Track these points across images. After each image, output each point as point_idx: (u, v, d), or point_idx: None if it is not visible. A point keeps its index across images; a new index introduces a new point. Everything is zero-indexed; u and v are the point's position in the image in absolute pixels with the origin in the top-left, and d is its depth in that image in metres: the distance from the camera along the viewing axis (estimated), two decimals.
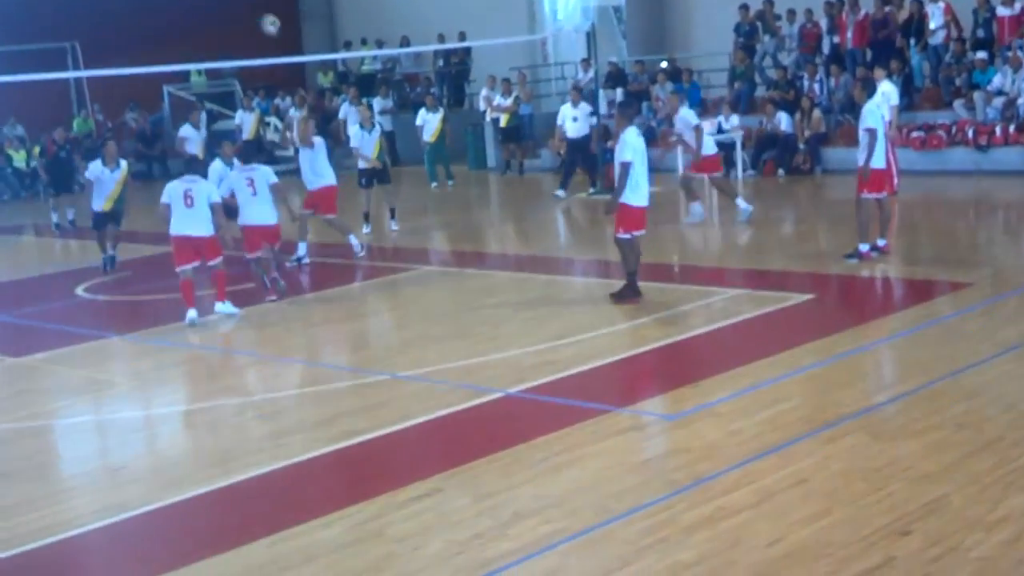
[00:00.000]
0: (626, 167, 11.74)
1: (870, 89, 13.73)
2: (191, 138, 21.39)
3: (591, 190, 20.84)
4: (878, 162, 13.17)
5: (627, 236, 12.02)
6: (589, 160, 21.37)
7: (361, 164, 17.80)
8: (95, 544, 7.18)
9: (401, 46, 29.71)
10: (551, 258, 15.78)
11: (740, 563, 5.96)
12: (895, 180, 17.59)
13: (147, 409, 10.09)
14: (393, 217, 18.32)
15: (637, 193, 11.90)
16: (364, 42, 31.68)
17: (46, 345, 12.37)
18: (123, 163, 16.50)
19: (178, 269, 12.84)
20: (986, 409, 8.03)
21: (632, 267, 12.07)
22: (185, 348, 11.93)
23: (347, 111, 25.59)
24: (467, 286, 14.27)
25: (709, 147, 16.97)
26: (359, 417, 8.98)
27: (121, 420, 9.86)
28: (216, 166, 14.71)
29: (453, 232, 18.83)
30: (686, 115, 17.24)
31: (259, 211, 13.59)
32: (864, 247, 13.27)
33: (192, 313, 12.68)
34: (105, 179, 16.14)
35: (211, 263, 12.96)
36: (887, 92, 17.78)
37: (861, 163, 13.16)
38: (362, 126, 18.01)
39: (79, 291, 15.24)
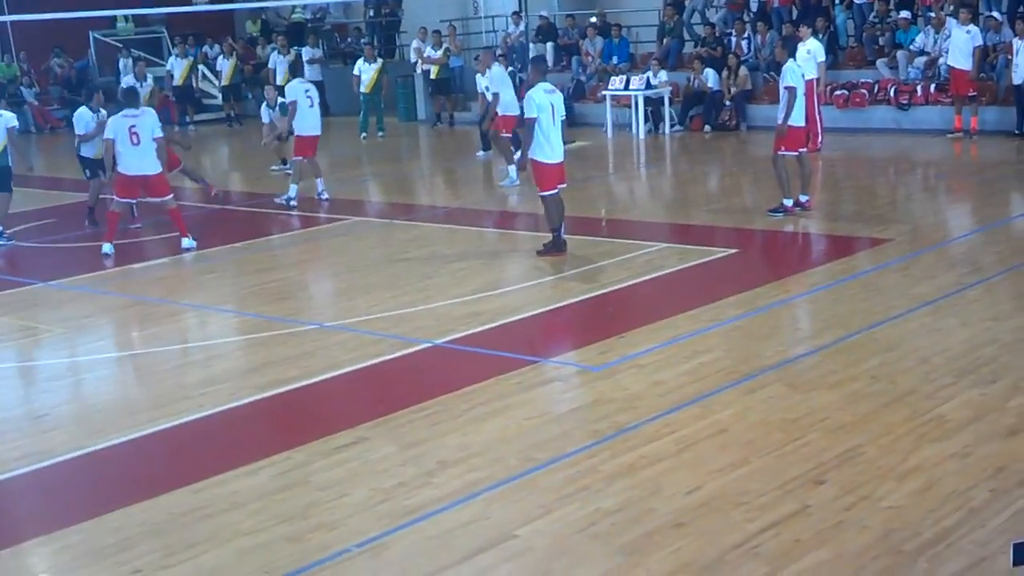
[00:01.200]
0: (530, 124, 11.84)
1: (791, 47, 13.95)
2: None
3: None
4: (797, 120, 13.44)
5: (546, 193, 12.10)
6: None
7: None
8: (18, 490, 7.18)
9: None
10: (480, 210, 15.86)
11: (659, 510, 6.12)
12: (819, 137, 17.91)
13: (72, 356, 10.04)
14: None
15: (544, 150, 11.95)
16: None
17: None
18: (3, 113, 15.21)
19: (117, 199, 12.99)
20: (901, 362, 8.27)
21: (555, 222, 12.16)
22: (112, 296, 11.85)
23: (276, 60, 25.36)
24: (396, 237, 14.30)
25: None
26: (286, 366, 9.02)
27: (46, 367, 9.81)
28: (83, 113, 14.97)
29: (383, 183, 18.81)
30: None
31: (140, 160, 13.25)
32: (788, 202, 13.52)
33: (108, 247, 13.02)
34: None
35: (161, 200, 13.06)
36: (813, 50, 18.01)
37: (780, 121, 13.39)
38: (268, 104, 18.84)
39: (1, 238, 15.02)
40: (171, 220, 13.62)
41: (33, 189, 18.53)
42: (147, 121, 13.15)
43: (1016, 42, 18.17)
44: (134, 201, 13.74)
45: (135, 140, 12.93)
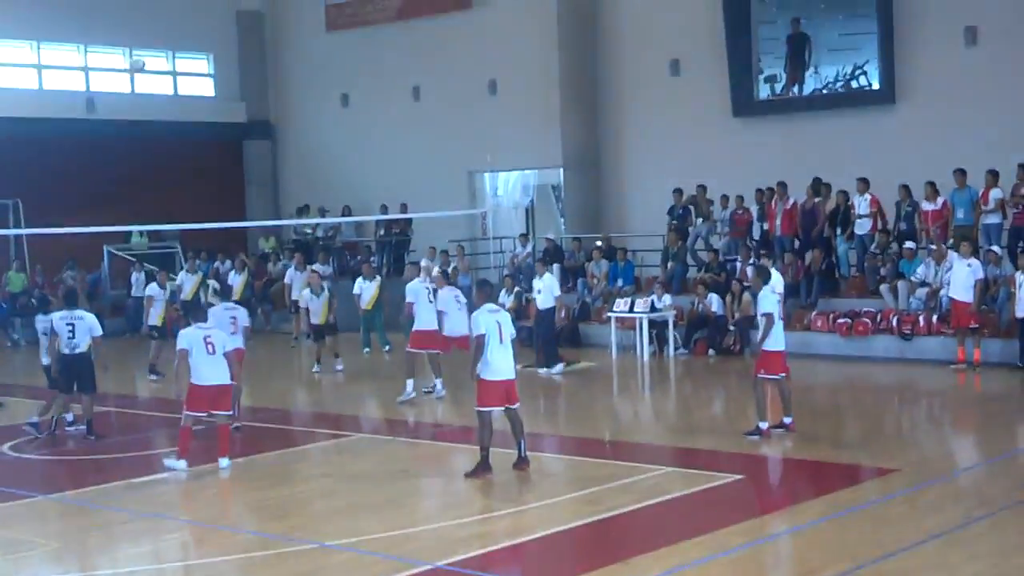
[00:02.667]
0: (479, 340, 12.17)
1: (765, 276, 14.37)
2: (157, 297, 21.83)
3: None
4: (775, 344, 13.76)
5: (481, 409, 12.26)
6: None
7: (314, 320, 21.13)
8: None
9: (343, 215, 30.15)
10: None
11: None
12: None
13: (65, 573, 9.87)
14: (338, 356, 21.03)
15: (488, 368, 12.16)
16: (303, 210, 32.15)
17: None
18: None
19: (187, 413, 13.00)
20: None
21: (484, 442, 12.18)
22: (112, 511, 11.73)
23: (292, 275, 25.83)
24: (400, 454, 14.25)
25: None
26: None
27: None
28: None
29: (385, 400, 18.83)
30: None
31: (215, 370, 13.17)
32: (763, 424, 13.70)
33: (181, 463, 12.91)
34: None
35: (221, 414, 13.12)
36: (773, 282, 18.42)
37: (758, 346, 13.76)
38: (312, 290, 21.13)
39: (5, 448, 14.96)
40: (219, 435, 13.31)
41: (34, 400, 18.56)
42: (220, 333, 13.34)
43: (1018, 276, 18.48)
44: (204, 415, 13.24)
45: (211, 350, 13.00)
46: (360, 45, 32.11)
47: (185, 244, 30.29)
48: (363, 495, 11.97)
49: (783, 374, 13.98)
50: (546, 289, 20.22)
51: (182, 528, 11.15)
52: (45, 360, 15.89)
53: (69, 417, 15.83)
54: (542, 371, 19.92)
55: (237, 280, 26.21)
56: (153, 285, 22.40)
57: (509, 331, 12.34)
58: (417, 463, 13.77)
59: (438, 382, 17.62)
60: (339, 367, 20.88)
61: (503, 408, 12.34)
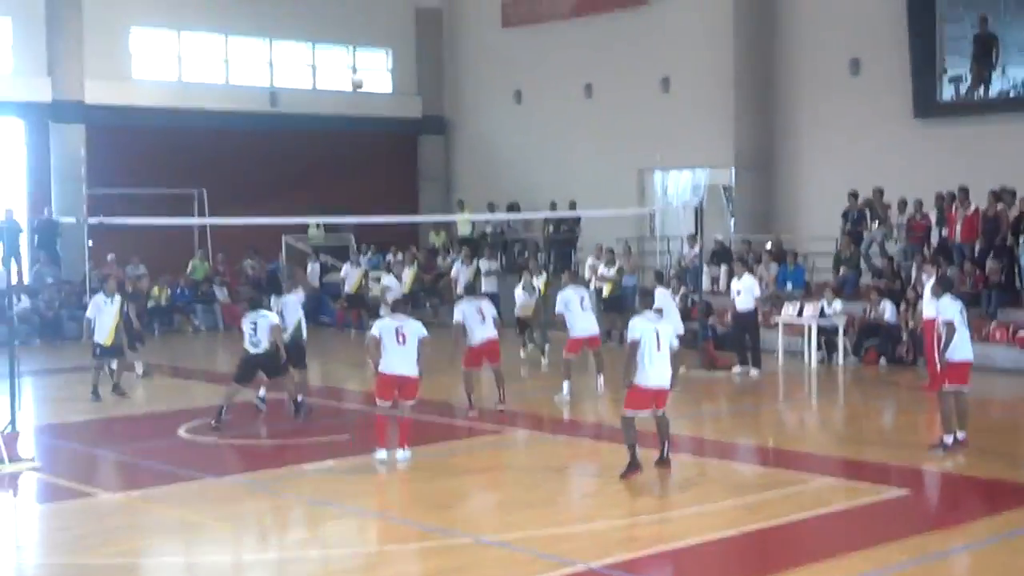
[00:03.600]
0: (632, 347, 12.14)
1: (946, 285, 13.96)
2: (393, 288, 23.69)
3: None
4: (958, 354, 13.30)
5: (626, 414, 12.26)
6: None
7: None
8: None
9: (509, 211, 30.39)
10: (651, 432, 15.67)
11: None
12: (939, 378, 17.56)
13: (234, 554, 10.24)
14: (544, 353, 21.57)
15: (641, 374, 12.07)
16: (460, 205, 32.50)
17: (143, 483, 12.68)
18: (117, 297, 18.09)
19: (378, 402, 13.50)
20: None
21: (631, 443, 12.17)
22: (278, 496, 12.10)
23: (459, 269, 26.17)
24: (561, 453, 14.31)
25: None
26: None
27: (207, 564, 10.01)
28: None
29: (549, 396, 18.91)
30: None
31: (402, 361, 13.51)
32: (948, 439, 13.29)
33: (382, 453, 13.26)
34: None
35: (407, 403, 13.49)
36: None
37: (943, 356, 13.43)
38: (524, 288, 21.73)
39: (181, 432, 15.57)
40: (400, 426, 13.56)
41: (211, 384, 19.25)
42: (414, 325, 13.62)
43: None
44: (389, 403, 13.60)
45: (400, 340, 13.33)
46: (534, 42, 32.32)
47: (359, 236, 30.98)
48: (521, 491, 12.06)
49: (966, 385, 13.50)
50: (746, 290, 20.13)
51: (347, 515, 11.40)
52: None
53: (262, 392, 16.58)
54: (737, 370, 19.92)
55: (407, 273, 26.68)
56: (390, 276, 24.36)
57: (668, 339, 12.24)
58: (574, 461, 13.79)
59: (599, 379, 17.67)
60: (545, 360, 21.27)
61: (650, 412, 12.32)
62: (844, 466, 13.26)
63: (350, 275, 28.38)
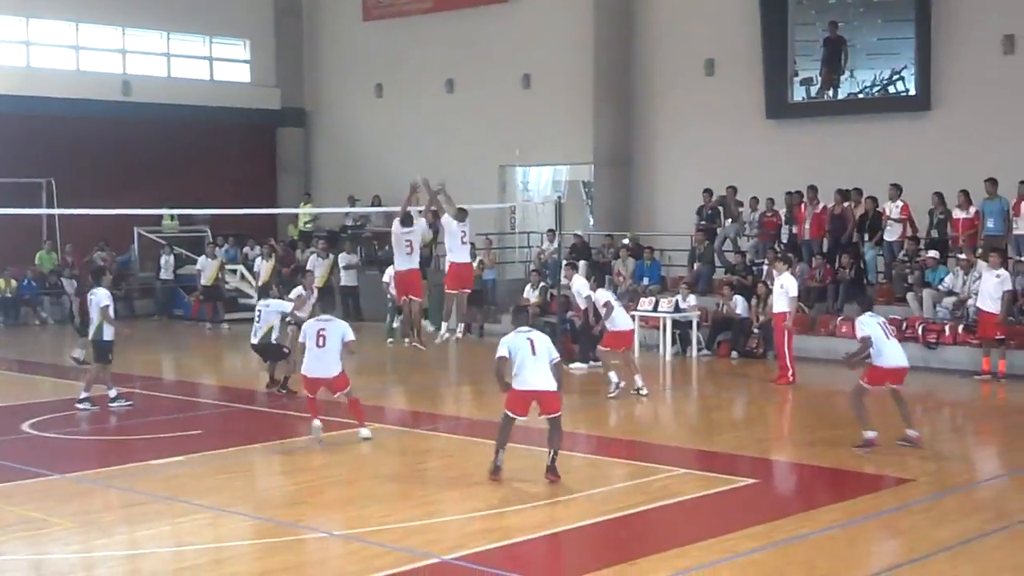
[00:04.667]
0: (500, 363, 12.05)
1: (864, 304, 14.28)
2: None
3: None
4: (888, 361, 13.54)
5: (505, 412, 12.06)
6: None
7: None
8: None
9: (373, 204, 30.22)
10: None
11: None
12: (789, 371, 18.17)
13: (81, 551, 9.95)
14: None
15: (517, 379, 11.90)
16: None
17: None
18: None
19: (304, 393, 14.14)
20: None
21: (499, 442, 12.02)
22: (126, 492, 11.81)
23: (314, 263, 25.89)
24: (417, 447, 14.28)
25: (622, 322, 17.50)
26: (290, 575, 8.90)
27: (53, 560, 9.72)
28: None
29: (407, 391, 18.87)
30: (579, 286, 18.40)
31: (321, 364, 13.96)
32: (870, 434, 13.47)
33: (316, 423, 13.74)
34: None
35: (340, 393, 14.00)
36: (786, 284, 18.35)
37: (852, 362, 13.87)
38: None
39: (25, 427, 15.09)
40: (351, 409, 14.14)
41: (58, 379, 18.71)
42: (336, 326, 13.93)
43: None
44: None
45: (320, 343, 13.74)
46: (396, 35, 32.19)
47: (215, 229, 30.44)
48: (375, 485, 11.99)
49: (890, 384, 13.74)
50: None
51: (197, 511, 11.18)
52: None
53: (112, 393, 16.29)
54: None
55: (264, 266, 26.33)
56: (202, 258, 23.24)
57: (544, 346, 11.94)
58: (432, 456, 13.78)
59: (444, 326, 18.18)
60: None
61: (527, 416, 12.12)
62: (696, 457, 13.52)
63: (206, 267, 27.91)
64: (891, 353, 13.55)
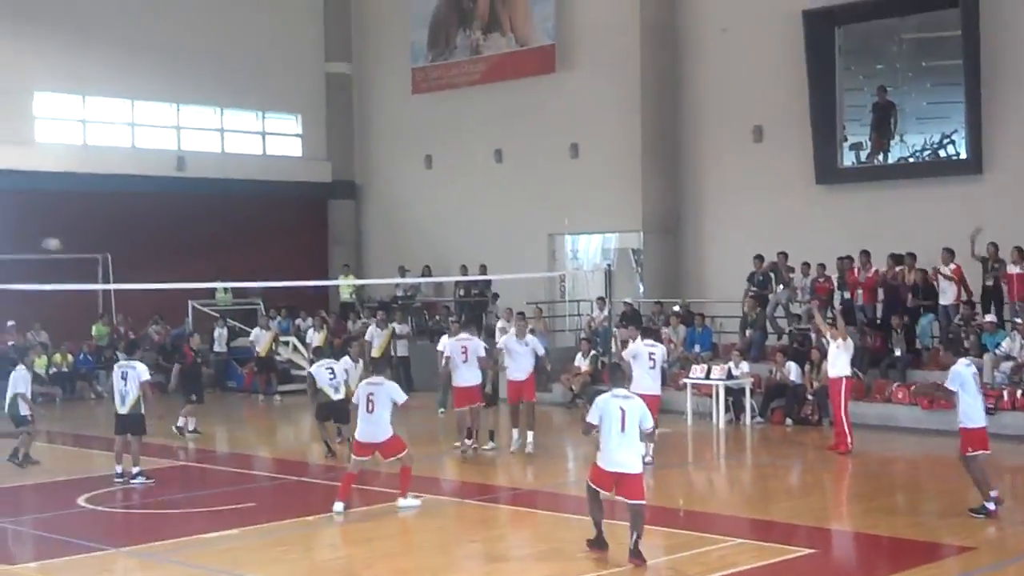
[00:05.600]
0: (587, 428, 11.73)
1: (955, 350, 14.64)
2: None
3: None
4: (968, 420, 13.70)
5: (588, 483, 11.70)
6: None
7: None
8: None
9: (423, 275, 30.41)
10: (558, 494, 15.64)
11: None
12: (847, 437, 17.76)
13: None
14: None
15: (600, 455, 11.48)
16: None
17: (41, 554, 12.31)
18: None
19: (355, 458, 14.01)
20: None
21: (594, 518, 11.69)
22: (181, 566, 11.82)
23: (373, 333, 26.14)
24: (467, 517, 14.20)
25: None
26: None
27: None
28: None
29: (459, 461, 18.81)
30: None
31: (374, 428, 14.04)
32: (989, 505, 13.37)
33: (339, 506, 13.69)
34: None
35: (394, 458, 14.05)
36: (842, 346, 18.15)
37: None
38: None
39: (81, 501, 15.18)
40: (401, 476, 14.17)
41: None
42: (385, 390, 14.01)
43: None
44: (367, 459, 14.27)
45: (370, 408, 13.84)
46: (445, 108, 32.54)
47: (268, 300, 30.71)
48: (428, 558, 11.93)
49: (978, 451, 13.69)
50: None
51: None
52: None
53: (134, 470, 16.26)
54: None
55: (316, 337, 26.50)
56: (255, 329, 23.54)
57: (635, 417, 11.38)
58: (484, 527, 13.71)
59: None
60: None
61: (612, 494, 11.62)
62: (752, 526, 13.36)
63: (260, 338, 28.14)
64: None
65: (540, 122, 30.45)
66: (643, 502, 11.33)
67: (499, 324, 26.26)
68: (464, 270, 29.44)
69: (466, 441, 18.23)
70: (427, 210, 33.17)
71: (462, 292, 30.00)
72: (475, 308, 29.37)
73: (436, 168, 33.23)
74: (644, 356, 17.13)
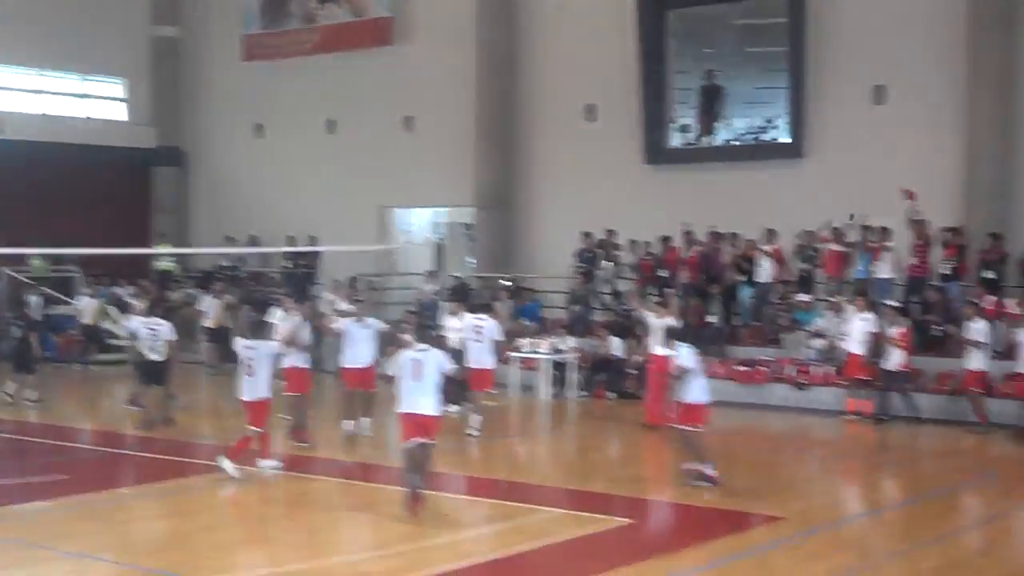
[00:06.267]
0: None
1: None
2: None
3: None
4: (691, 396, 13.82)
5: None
6: None
7: None
8: None
9: (250, 245, 29.91)
10: (378, 465, 15.58)
11: None
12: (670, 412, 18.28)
13: None
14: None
15: (400, 403, 12.25)
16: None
17: None
18: None
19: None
20: None
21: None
22: None
23: (209, 304, 25.85)
24: (288, 490, 14.05)
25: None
26: None
27: None
28: None
29: (282, 432, 18.57)
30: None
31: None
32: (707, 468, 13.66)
33: (267, 463, 14.17)
34: None
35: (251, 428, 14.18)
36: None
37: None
38: None
39: None
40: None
41: None
42: (260, 352, 14.20)
43: (893, 329, 18.93)
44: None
45: (249, 372, 14.08)
46: (277, 76, 31.99)
47: (86, 268, 29.75)
48: (247, 530, 11.77)
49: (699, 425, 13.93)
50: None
51: (58, 558, 10.84)
52: None
53: None
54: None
55: (137, 305, 25.75)
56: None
57: (429, 368, 12.16)
58: (305, 499, 13.59)
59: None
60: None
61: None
62: (572, 497, 13.57)
63: (88, 306, 27.32)
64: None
65: (375, 94, 30.20)
66: (433, 442, 12.24)
67: (327, 296, 25.99)
68: (292, 241, 29.06)
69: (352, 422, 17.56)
70: (256, 179, 32.59)
71: (289, 264, 29.61)
72: (302, 280, 29.04)
73: (267, 137, 32.67)
74: (471, 330, 17.21)
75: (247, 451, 14.14)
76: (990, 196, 21.55)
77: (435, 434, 12.24)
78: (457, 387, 19.68)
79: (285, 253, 29.15)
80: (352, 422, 17.07)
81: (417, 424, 12.06)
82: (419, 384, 12.09)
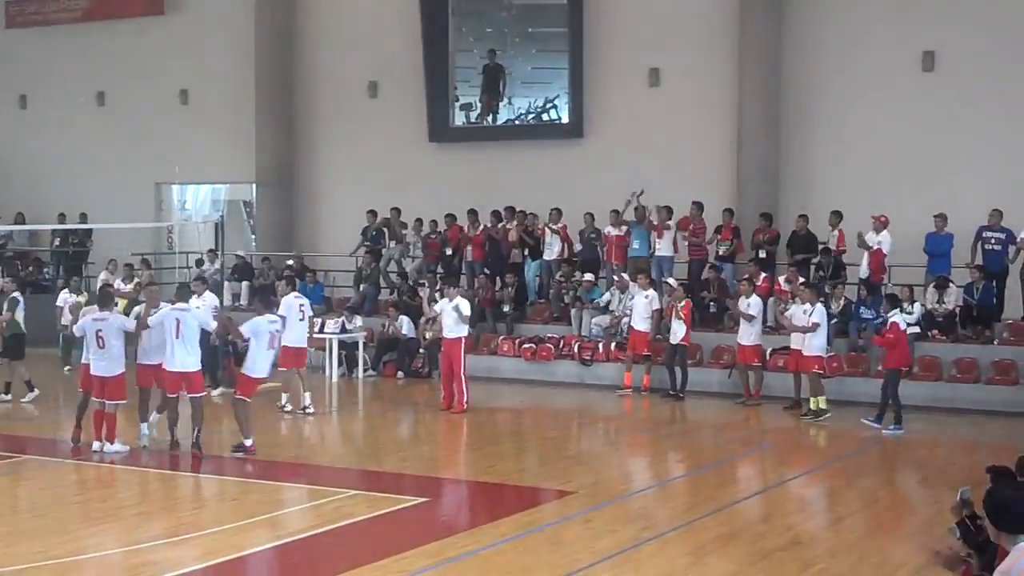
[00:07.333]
0: None
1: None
2: None
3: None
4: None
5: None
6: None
7: None
8: None
9: (15, 223, 28.48)
10: (164, 452, 15.11)
11: None
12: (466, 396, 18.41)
13: None
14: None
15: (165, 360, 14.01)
16: None
17: None
18: None
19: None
20: None
21: None
22: None
23: None
24: (69, 478, 13.50)
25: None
26: None
27: None
28: None
29: (61, 421, 17.80)
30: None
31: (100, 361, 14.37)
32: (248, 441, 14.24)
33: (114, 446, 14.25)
34: None
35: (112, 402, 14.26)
36: (461, 306, 18.51)
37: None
38: None
39: None
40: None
41: None
42: (110, 324, 14.13)
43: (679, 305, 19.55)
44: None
45: (100, 343, 14.02)
46: (42, 45, 30.50)
47: None
48: (27, 520, 11.24)
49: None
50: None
51: None
52: None
53: None
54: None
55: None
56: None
57: (190, 327, 13.91)
58: (87, 487, 13.08)
59: None
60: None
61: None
62: (365, 477, 13.50)
63: None
64: None
65: (147, 65, 29.11)
66: (202, 395, 14.25)
67: (101, 276, 25.04)
68: (62, 218, 27.82)
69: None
70: (21, 153, 30.99)
71: (58, 241, 28.39)
72: (74, 259, 27.91)
73: (31, 109, 31.13)
74: (295, 308, 17.62)
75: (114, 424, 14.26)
76: (761, 177, 22.43)
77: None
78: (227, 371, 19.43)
79: (55, 231, 27.88)
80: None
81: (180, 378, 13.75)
82: (180, 342, 13.70)
